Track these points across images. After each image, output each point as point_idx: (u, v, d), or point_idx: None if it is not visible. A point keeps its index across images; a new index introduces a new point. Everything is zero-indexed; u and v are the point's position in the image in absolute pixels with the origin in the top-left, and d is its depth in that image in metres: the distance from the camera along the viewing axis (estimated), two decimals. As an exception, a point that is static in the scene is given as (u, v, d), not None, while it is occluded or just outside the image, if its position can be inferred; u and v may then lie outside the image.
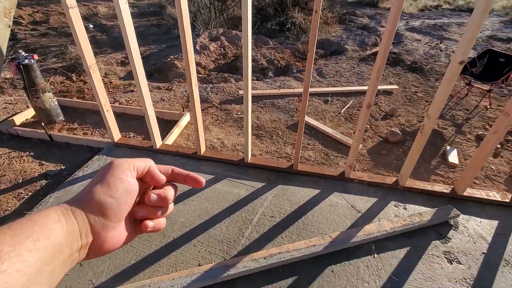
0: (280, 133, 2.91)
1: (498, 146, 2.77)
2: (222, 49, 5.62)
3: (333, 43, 5.88)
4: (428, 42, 6.12)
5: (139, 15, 9.46)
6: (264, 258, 1.49)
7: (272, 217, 1.79)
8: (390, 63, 4.79)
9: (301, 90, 3.69)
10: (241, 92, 3.60)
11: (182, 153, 2.36)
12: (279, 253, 1.52)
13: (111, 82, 4.25)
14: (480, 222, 1.73)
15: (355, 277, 1.44)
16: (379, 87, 3.75)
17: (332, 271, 1.46)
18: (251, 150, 2.33)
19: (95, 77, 2.13)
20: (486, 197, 1.86)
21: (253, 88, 3.78)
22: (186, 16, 1.70)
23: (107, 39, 6.71)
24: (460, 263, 1.50)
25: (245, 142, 2.12)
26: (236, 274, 1.43)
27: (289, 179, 2.09)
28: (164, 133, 2.70)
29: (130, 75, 4.83)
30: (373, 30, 6.97)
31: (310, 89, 3.77)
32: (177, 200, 1.93)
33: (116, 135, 2.49)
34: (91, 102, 3.45)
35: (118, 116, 3.09)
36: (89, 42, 2.00)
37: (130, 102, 3.70)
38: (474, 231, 1.67)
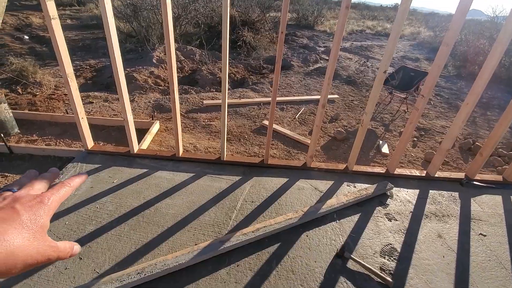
0: (246, 136, 3.25)
1: (415, 139, 3.56)
2: (178, 63, 5.81)
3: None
4: (357, 60, 7.24)
5: (81, 27, 9.04)
6: (252, 232, 1.78)
7: (252, 202, 2.09)
8: (330, 77, 5.59)
9: (260, 99, 4.13)
10: (205, 102, 3.87)
11: (161, 156, 2.52)
12: (264, 227, 1.82)
13: (65, 95, 4.10)
14: (407, 191, 2.30)
15: (324, 237, 1.82)
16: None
17: (307, 236, 1.82)
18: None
19: (72, 85, 2.21)
20: (409, 174, 2.46)
21: (216, 98, 4.08)
22: (171, 30, 1.96)
23: (49, 51, 6.32)
24: (396, 220, 2.00)
25: (222, 142, 2.40)
26: (231, 246, 1.69)
27: (262, 172, 2.42)
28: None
29: (84, 87, 4.70)
30: (313, 49, 7.93)
31: (266, 99, 4.24)
32: (164, 196, 2.10)
33: (90, 143, 2.53)
34: (49, 114, 3.33)
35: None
36: (67, 51, 2.10)
37: (91, 113, 3.66)
38: (404, 198, 2.23)
